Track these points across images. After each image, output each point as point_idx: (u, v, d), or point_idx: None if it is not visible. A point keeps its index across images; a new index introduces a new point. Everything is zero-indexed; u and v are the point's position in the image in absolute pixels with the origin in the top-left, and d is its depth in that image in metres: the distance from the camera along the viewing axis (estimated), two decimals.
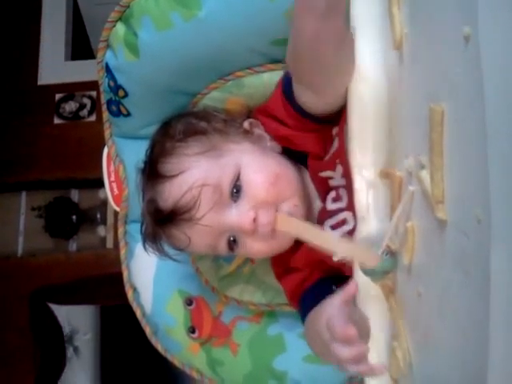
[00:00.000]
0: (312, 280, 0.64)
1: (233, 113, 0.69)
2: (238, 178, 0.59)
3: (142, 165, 0.65)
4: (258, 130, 0.66)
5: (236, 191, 0.58)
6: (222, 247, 0.61)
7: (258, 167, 0.60)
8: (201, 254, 0.71)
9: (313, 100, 0.58)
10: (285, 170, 0.62)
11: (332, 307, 0.51)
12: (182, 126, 0.63)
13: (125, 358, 1.77)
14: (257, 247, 0.60)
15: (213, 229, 0.59)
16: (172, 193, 0.59)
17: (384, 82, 0.54)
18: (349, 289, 0.51)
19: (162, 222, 0.60)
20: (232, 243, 0.61)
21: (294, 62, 0.55)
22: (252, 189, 0.58)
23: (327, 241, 0.55)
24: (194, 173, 0.58)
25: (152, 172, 0.62)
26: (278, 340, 0.71)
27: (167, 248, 0.66)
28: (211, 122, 0.64)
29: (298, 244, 0.63)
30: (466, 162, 0.38)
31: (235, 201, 0.59)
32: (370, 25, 0.52)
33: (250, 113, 0.69)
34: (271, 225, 0.58)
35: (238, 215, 0.58)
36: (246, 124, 0.65)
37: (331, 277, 0.64)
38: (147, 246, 0.65)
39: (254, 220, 0.57)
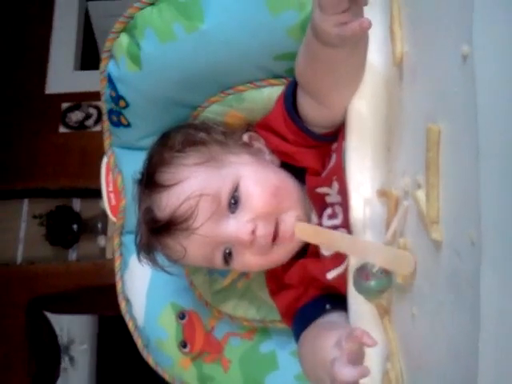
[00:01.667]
0: (306, 298, 0.63)
1: (232, 126, 0.69)
2: (236, 189, 0.58)
3: (138, 176, 0.65)
4: (258, 144, 0.65)
5: (234, 202, 0.58)
6: (218, 260, 0.60)
7: (257, 179, 0.59)
8: (195, 266, 0.69)
9: (317, 111, 0.58)
10: (284, 182, 0.62)
11: (335, 347, 0.49)
12: (181, 136, 0.63)
13: (121, 369, 1.75)
14: (253, 260, 0.59)
15: (209, 239, 0.58)
16: (169, 202, 0.58)
17: (383, 99, 0.54)
18: (355, 336, 0.47)
19: (158, 232, 0.60)
20: (227, 256, 0.60)
21: (303, 72, 0.55)
22: (251, 200, 0.58)
23: (355, 246, 0.52)
24: (192, 183, 0.58)
25: (149, 181, 0.61)
26: (271, 357, 0.70)
27: (161, 259, 0.65)
28: (211, 134, 0.64)
29: (292, 261, 0.63)
30: (460, 182, 0.38)
31: (233, 212, 0.58)
32: (370, 42, 0.52)
33: (249, 126, 0.68)
34: (270, 237, 0.57)
35: (236, 226, 0.57)
36: (245, 137, 0.65)
37: (327, 295, 0.63)
38: (141, 257, 0.65)
39: (253, 232, 0.57)
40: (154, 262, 0.64)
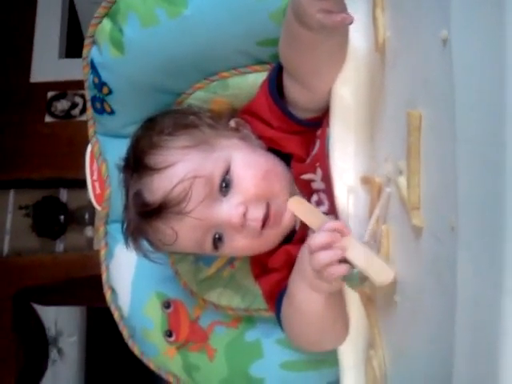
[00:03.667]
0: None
1: (218, 113, 0.68)
2: (227, 172, 0.58)
3: (122, 162, 0.64)
4: (245, 130, 0.65)
5: (226, 185, 0.58)
6: (208, 244, 0.60)
7: (249, 162, 0.59)
8: (184, 252, 0.68)
9: (301, 94, 0.58)
10: (274, 165, 0.62)
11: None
12: (169, 120, 0.63)
13: (110, 361, 1.75)
14: (243, 243, 0.59)
15: (201, 223, 0.57)
16: (161, 185, 0.57)
17: (367, 85, 0.53)
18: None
19: (149, 216, 0.58)
20: (217, 241, 0.59)
21: (284, 52, 0.55)
22: (242, 183, 0.58)
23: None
24: (185, 165, 0.57)
25: (138, 165, 0.60)
26: (256, 346, 0.70)
27: (149, 247, 0.64)
28: (200, 117, 0.63)
29: (277, 246, 0.63)
30: (440, 168, 0.37)
31: (225, 195, 0.58)
32: (353, 27, 0.51)
33: (234, 112, 0.68)
34: (260, 220, 0.57)
35: (228, 209, 0.57)
36: (232, 123, 0.65)
37: None
38: (129, 243, 0.63)
39: (244, 215, 0.57)
40: (142, 248, 0.63)
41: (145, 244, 0.64)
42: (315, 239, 0.50)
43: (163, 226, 0.58)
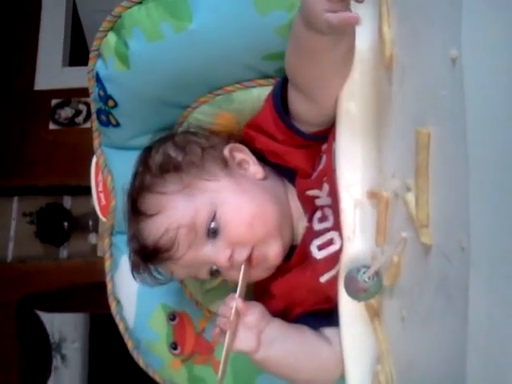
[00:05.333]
0: (292, 316, 0.63)
1: (220, 130, 0.68)
2: (213, 218, 0.59)
3: (127, 187, 0.66)
4: (240, 155, 0.65)
5: (212, 231, 0.59)
6: (204, 276, 0.63)
7: (234, 207, 0.60)
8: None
9: (307, 106, 0.58)
10: (262, 207, 0.61)
11: None
12: (159, 157, 0.64)
13: (113, 367, 1.74)
14: (238, 275, 0.60)
15: (193, 264, 0.61)
16: (152, 232, 0.60)
17: (373, 100, 0.53)
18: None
19: (146, 259, 0.63)
20: (214, 272, 0.62)
21: (290, 61, 0.55)
22: (228, 229, 0.59)
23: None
24: (170, 214, 0.59)
25: (134, 208, 0.63)
26: None
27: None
28: (188, 154, 0.63)
29: (280, 267, 0.63)
30: (450, 186, 0.37)
31: (212, 238, 0.60)
32: (362, 41, 0.51)
33: (230, 138, 0.67)
34: (245, 261, 0.59)
35: (214, 252, 0.59)
36: (226, 151, 0.64)
37: (312, 313, 0.63)
38: (135, 276, 0.66)
39: (230, 257, 0.59)
40: (147, 281, 0.66)
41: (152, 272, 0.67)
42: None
43: (160, 266, 0.64)
